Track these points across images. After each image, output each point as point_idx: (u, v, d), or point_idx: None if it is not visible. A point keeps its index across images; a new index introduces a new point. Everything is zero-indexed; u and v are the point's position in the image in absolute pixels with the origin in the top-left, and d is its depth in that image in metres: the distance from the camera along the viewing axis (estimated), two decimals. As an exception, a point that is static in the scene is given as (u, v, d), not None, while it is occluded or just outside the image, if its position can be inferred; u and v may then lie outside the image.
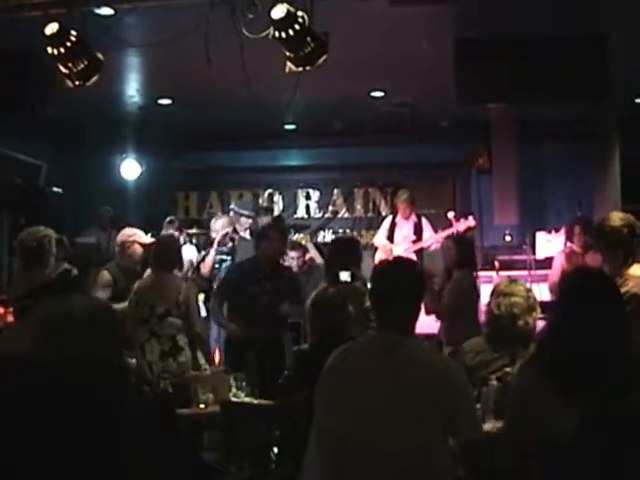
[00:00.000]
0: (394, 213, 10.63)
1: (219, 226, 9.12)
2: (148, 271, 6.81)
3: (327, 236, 12.80)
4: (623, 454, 2.89)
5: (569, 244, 8.57)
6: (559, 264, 8.44)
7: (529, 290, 4.88)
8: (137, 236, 7.14)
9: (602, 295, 3.28)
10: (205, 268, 8.84)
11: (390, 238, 10.22)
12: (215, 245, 8.76)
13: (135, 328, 6.31)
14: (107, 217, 11.22)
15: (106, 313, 2.70)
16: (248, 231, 9.81)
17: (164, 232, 9.72)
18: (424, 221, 10.22)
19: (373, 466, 3.12)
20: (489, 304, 4.92)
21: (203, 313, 8.84)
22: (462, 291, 7.14)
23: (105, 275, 6.85)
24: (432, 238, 9.85)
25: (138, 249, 7.06)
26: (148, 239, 7.21)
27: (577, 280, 3.51)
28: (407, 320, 3.43)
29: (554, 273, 8.48)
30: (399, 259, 4.37)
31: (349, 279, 6.45)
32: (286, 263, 9.23)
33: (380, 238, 10.38)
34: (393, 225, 10.30)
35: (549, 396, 3.05)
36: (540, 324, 5.65)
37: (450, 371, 3.34)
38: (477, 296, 7.29)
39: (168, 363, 6.13)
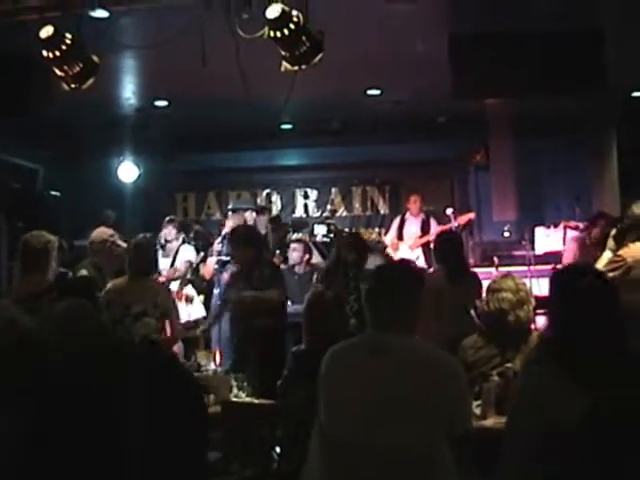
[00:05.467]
0: (403, 212, 10.97)
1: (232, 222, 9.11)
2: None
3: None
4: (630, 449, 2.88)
5: (583, 234, 8.56)
6: (572, 253, 8.43)
7: (519, 284, 4.88)
8: (117, 237, 6.95)
9: (594, 291, 3.28)
10: (207, 270, 8.83)
11: (399, 236, 10.64)
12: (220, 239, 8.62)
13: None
14: (111, 221, 11.08)
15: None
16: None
17: (164, 231, 9.71)
18: (432, 219, 10.65)
19: (372, 464, 3.11)
20: (484, 301, 4.96)
21: (203, 313, 8.87)
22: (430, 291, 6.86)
23: (83, 274, 6.61)
24: (437, 232, 10.03)
25: (118, 250, 6.88)
26: (124, 244, 6.98)
27: (568, 277, 3.50)
28: (401, 320, 3.36)
29: (568, 257, 8.48)
30: (395, 261, 4.23)
31: (325, 232, 6.47)
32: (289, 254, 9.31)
33: (389, 236, 10.84)
34: (402, 223, 10.72)
35: (558, 389, 3.04)
36: (539, 319, 5.70)
37: (440, 363, 3.28)
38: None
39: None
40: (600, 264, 6.02)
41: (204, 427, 2.84)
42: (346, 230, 8.18)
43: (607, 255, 6.15)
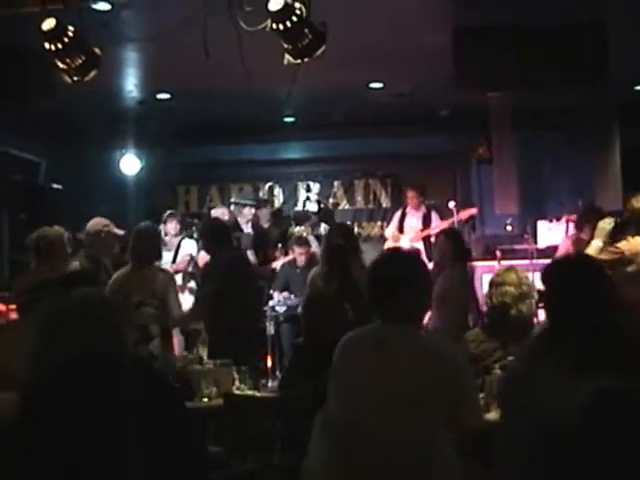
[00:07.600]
0: (404, 205, 10.95)
1: (218, 213, 9.18)
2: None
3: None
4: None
5: (575, 231, 8.53)
6: (565, 250, 8.41)
7: (522, 278, 4.89)
8: (111, 226, 6.92)
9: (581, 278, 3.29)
10: (201, 261, 8.83)
11: (400, 229, 10.63)
12: None
13: None
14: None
15: (103, 306, 2.74)
16: (250, 223, 9.82)
17: (167, 225, 9.72)
18: (433, 213, 10.63)
19: (377, 455, 3.10)
20: (486, 295, 4.96)
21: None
22: (455, 284, 7.05)
23: (75, 266, 6.55)
24: (438, 226, 10.05)
25: (112, 239, 6.90)
26: (121, 231, 7.01)
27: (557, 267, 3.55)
28: (407, 310, 3.34)
29: (560, 253, 8.46)
30: (396, 250, 4.10)
31: (315, 209, 6.45)
32: (290, 257, 9.39)
33: (390, 229, 10.83)
34: (403, 216, 10.71)
35: (559, 379, 3.04)
36: (542, 313, 5.70)
37: (443, 354, 3.27)
38: (468, 288, 7.23)
39: (138, 350, 6.08)
40: (589, 253, 6.04)
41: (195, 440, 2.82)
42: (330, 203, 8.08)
43: (596, 244, 6.16)
